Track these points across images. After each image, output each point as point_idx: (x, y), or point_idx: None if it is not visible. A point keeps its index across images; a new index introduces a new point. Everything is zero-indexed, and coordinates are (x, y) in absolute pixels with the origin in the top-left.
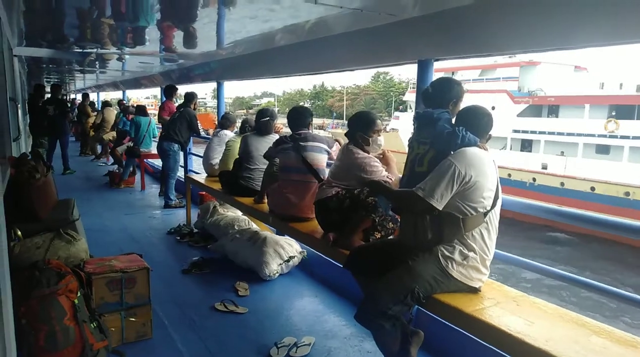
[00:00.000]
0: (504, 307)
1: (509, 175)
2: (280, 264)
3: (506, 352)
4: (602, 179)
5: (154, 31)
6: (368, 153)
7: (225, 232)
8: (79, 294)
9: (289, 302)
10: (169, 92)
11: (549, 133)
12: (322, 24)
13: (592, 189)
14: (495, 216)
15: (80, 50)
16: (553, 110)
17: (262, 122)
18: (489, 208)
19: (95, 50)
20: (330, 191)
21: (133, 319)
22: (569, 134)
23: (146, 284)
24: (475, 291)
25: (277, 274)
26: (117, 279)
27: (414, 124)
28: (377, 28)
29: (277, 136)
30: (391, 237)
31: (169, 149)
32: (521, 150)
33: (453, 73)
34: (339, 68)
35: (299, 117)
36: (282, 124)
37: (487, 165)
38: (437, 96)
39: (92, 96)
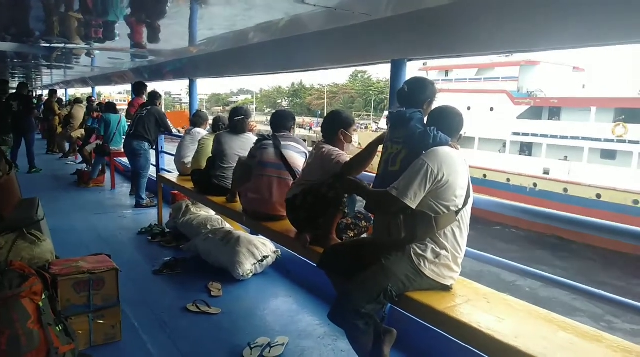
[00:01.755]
0: (475, 304)
1: (508, 180)
2: (254, 263)
3: (477, 349)
4: (609, 185)
5: (123, 26)
6: (342, 150)
7: (198, 231)
8: (43, 297)
9: (262, 303)
10: (138, 89)
11: (552, 136)
12: (296, 21)
13: (598, 196)
14: (467, 214)
15: (47, 44)
16: (555, 113)
17: (236, 120)
18: (460, 206)
19: (62, 45)
20: (298, 189)
21: (101, 322)
22: (573, 138)
23: (115, 285)
24: (447, 288)
25: (250, 274)
26: (84, 281)
27: (387, 124)
28: (351, 27)
29: (251, 135)
30: (364, 235)
31: (139, 148)
32: (520, 154)
33: (447, 72)
34: (313, 67)
35: (281, 120)
36: (256, 122)
37: (458, 164)
38: (412, 96)
39: (60, 93)
